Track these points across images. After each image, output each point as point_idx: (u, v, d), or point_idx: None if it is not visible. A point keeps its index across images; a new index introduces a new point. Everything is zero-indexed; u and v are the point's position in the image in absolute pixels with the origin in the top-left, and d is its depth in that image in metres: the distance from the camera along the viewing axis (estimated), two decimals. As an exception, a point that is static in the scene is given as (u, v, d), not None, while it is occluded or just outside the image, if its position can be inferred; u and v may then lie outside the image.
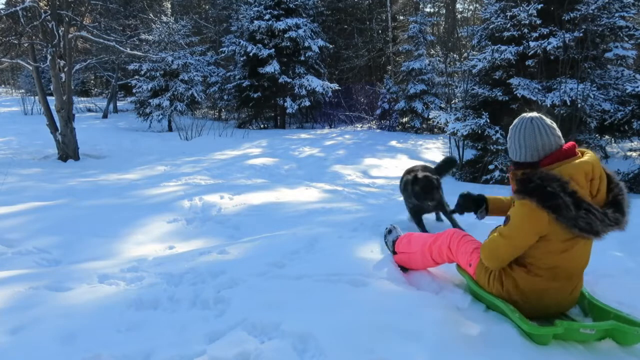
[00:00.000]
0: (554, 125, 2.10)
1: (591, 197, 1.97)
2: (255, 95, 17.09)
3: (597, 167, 2.01)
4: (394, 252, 2.99)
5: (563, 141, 2.09)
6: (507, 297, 2.21)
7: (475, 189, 3.82)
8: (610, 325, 2.05)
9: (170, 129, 16.65)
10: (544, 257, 2.07)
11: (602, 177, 2.02)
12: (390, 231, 3.20)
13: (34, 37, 10.35)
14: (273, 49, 16.67)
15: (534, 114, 2.15)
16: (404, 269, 2.92)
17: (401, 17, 21.28)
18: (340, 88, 17.89)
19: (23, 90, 28.35)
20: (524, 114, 2.17)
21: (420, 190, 3.62)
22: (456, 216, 3.70)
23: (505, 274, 2.21)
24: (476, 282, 2.40)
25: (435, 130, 15.89)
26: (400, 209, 4.41)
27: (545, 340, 2.04)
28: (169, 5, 21.19)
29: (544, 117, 2.12)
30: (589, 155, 2.03)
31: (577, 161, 1.99)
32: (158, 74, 16.61)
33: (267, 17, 16.57)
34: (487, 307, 2.40)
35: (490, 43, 9.99)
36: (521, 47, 9.19)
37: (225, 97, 19.04)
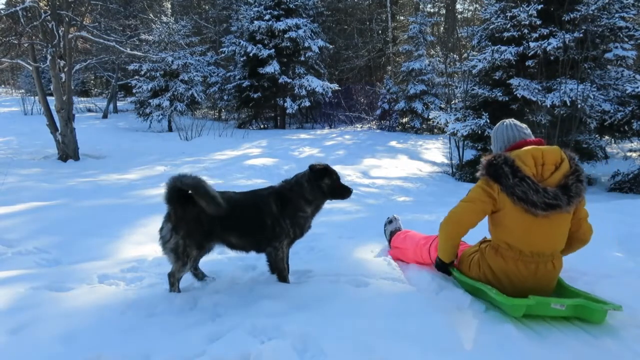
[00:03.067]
0: (524, 125, 2.54)
1: (542, 179, 2.30)
2: (255, 96, 17.09)
3: (552, 156, 2.32)
4: (390, 243, 3.28)
5: (530, 137, 2.48)
6: (484, 279, 2.48)
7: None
8: (579, 302, 2.24)
9: (170, 129, 16.65)
10: (507, 237, 2.37)
11: (559, 166, 2.32)
12: (391, 221, 3.43)
13: (34, 37, 10.35)
14: (273, 49, 16.67)
15: (511, 119, 2.60)
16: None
17: (401, 18, 21.29)
18: (340, 88, 17.89)
19: (23, 90, 28.35)
20: (503, 120, 2.61)
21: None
22: None
23: (481, 258, 2.51)
24: (459, 269, 2.68)
25: (435, 130, 15.89)
26: (400, 209, 4.42)
27: (518, 311, 2.23)
28: (169, 6, 21.19)
29: (516, 120, 2.56)
30: (547, 147, 2.38)
31: (528, 147, 2.37)
32: (158, 74, 16.61)
33: (267, 17, 16.58)
34: (486, 307, 2.41)
35: (490, 43, 10.00)
36: (521, 48, 9.19)
37: (225, 97, 19.04)
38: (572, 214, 2.39)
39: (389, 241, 3.32)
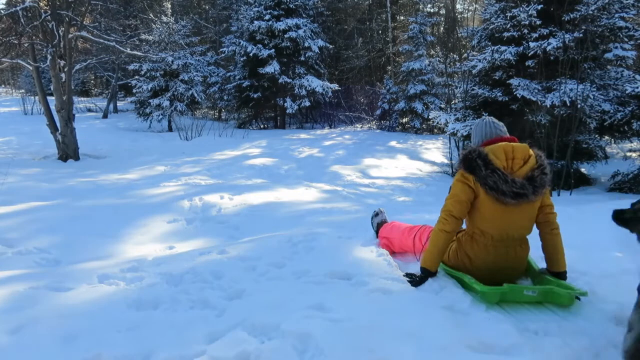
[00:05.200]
0: (501, 123, 2.74)
1: (511, 171, 2.51)
2: (255, 96, 17.09)
3: (521, 152, 2.55)
4: (377, 234, 3.56)
5: (505, 135, 2.70)
6: (462, 267, 2.68)
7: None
8: (548, 289, 2.48)
9: (170, 129, 16.65)
10: (481, 224, 2.59)
11: (527, 160, 2.55)
12: (377, 214, 3.72)
13: (34, 37, 10.35)
14: (273, 49, 16.67)
15: (490, 117, 2.80)
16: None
17: (401, 18, 21.29)
18: (340, 88, 17.89)
19: (23, 90, 28.33)
20: (484, 117, 2.82)
21: None
22: None
23: (459, 246, 2.71)
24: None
25: (435, 130, 15.89)
26: (399, 209, 4.42)
27: (493, 298, 2.43)
28: (169, 6, 21.15)
29: (494, 118, 2.77)
30: (517, 144, 2.60)
31: (500, 143, 2.58)
32: (158, 74, 16.61)
33: (267, 17, 16.58)
34: (486, 307, 2.41)
35: (490, 43, 10.00)
36: (521, 48, 9.19)
37: (225, 98, 19.05)
38: (539, 204, 2.62)
39: (377, 232, 3.61)
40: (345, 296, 2.51)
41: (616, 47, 8.95)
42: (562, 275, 2.64)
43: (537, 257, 2.80)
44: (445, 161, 11.30)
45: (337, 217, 4.98)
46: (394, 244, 3.32)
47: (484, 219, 2.56)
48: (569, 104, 8.31)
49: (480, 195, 2.53)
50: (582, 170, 9.82)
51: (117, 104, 23.47)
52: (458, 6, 24.69)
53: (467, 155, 2.58)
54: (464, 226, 2.75)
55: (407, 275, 2.72)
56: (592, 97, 8.48)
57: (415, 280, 2.64)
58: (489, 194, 2.49)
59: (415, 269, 2.77)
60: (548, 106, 8.47)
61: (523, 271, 2.75)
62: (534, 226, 2.68)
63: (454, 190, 2.61)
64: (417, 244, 3.06)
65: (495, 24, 9.71)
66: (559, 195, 8.06)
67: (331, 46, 18.26)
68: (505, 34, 9.40)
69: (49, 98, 10.70)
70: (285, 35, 16.51)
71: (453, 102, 13.68)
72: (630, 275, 2.78)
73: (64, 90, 10.03)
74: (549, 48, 8.71)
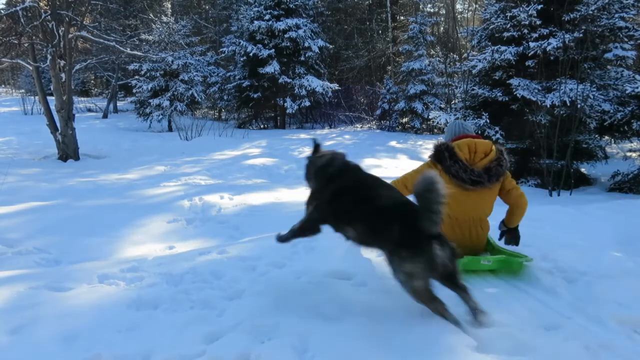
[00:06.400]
0: (468, 124, 3.34)
1: (473, 162, 2.99)
2: (255, 96, 17.09)
3: (483, 147, 3.03)
4: None
5: (470, 133, 3.22)
6: None
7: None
8: (501, 258, 2.96)
9: (170, 129, 16.65)
10: (447, 208, 2.78)
11: (488, 154, 3.02)
12: None
13: (34, 37, 10.35)
14: (273, 49, 16.67)
15: (460, 119, 3.53)
16: None
17: (401, 18, 21.29)
18: (340, 88, 17.89)
19: (23, 90, 28.34)
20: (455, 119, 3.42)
21: None
22: None
23: None
24: None
25: (435, 130, 15.89)
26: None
27: None
28: (169, 5, 21.16)
29: (463, 120, 3.44)
30: (480, 140, 3.09)
31: (466, 139, 3.08)
32: (158, 74, 16.61)
33: (267, 17, 16.58)
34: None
35: (490, 43, 10.00)
36: (521, 48, 9.19)
37: (225, 97, 19.04)
38: (501, 189, 3.06)
39: None
40: (345, 296, 2.51)
41: (616, 47, 8.96)
42: (513, 231, 3.14)
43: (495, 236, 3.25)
44: (445, 161, 11.29)
45: (337, 217, 4.97)
46: None
47: (449, 204, 2.77)
48: (569, 104, 8.31)
49: (445, 182, 2.72)
50: (582, 170, 9.82)
51: (117, 104, 23.47)
52: (458, 6, 24.69)
53: (437, 147, 3.07)
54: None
55: None
56: (592, 97, 8.48)
57: None
58: (452, 181, 2.92)
59: None
60: (548, 106, 8.47)
61: (483, 248, 3.19)
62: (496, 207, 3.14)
63: (419, 168, 3.08)
64: None
65: (495, 24, 9.71)
66: (559, 195, 8.06)
67: (331, 46, 18.26)
68: (505, 34, 9.40)
69: (49, 98, 10.70)
70: (285, 35, 16.51)
71: (453, 102, 13.70)
72: (630, 276, 2.78)
73: (64, 90, 10.03)
74: (549, 48, 8.71)
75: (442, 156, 3.00)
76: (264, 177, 8.66)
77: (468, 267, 2.87)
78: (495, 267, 2.95)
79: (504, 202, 3.14)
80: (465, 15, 25.75)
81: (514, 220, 3.15)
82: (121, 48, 11.76)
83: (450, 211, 2.86)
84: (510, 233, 3.18)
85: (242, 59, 17.44)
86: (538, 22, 9.09)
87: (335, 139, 14.50)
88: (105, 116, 20.21)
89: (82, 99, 25.58)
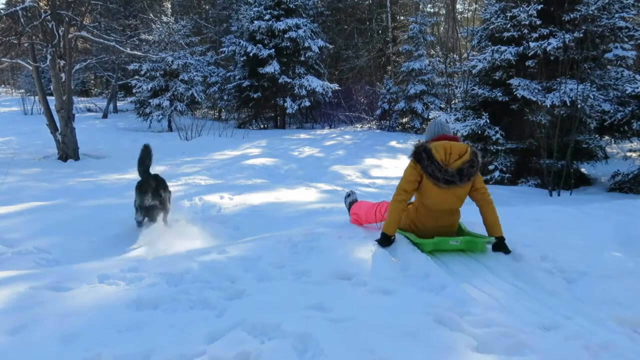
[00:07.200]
0: (448, 124, 3.57)
1: (448, 163, 3.27)
2: (255, 96, 17.09)
3: (457, 149, 3.29)
4: (349, 212, 4.33)
5: (449, 134, 3.46)
6: (409, 228, 3.52)
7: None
8: (467, 239, 3.32)
9: (170, 129, 16.66)
10: (423, 200, 3.43)
11: (462, 156, 3.28)
12: (349, 194, 4.59)
13: (34, 37, 10.35)
14: (273, 49, 16.68)
15: (440, 118, 3.50)
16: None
17: (401, 18, 21.29)
18: (340, 88, 17.89)
19: (23, 90, 28.35)
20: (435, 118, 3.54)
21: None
22: None
23: (407, 214, 3.53)
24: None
25: (435, 130, 15.87)
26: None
27: (427, 247, 3.24)
28: (169, 5, 21.17)
29: (443, 120, 3.59)
30: (456, 142, 3.35)
31: (443, 141, 3.34)
32: (158, 74, 16.61)
33: (267, 17, 16.58)
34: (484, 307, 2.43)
35: (490, 43, 9.99)
36: (521, 48, 9.19)
37: (225, 97, 19.05)
38: (472, 187, 3.35)
39: (349, 210, 4.38)
40: (345, 296, 2.51)
41: (616, 47, 8.95)
42: (501, 240, 3.27)
43: (467, 223, 3.61)
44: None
45: (337, 217, 4.97)
46: (362, 218, 4.07)
47: (425, 197, 3.40)
48: (569, 104, 8.31)
49: (423, 179, 3.34)
50: (582, 170, 9.82)
51: (117, 104, 23.47)
52: (458, 6, 24.68)
53: (416, 148, 3.37)
54: (413, 200, 3.55)
55: (377, 240, 3.35)
56: (592, 97, 8.48)
57: (381, 242, 3.32)
58: (429, 179, 3.28)
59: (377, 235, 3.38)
60: (548, 106, 8.47)
61: (455, 232, 3.55)
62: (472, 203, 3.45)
63: (405, 173, 3.42)
64: (378, 215, 3.85)
65: (496, 24, 9.71)
66: (559, 195, 8.06)
67: (331, 46, 18.26)
68: (505, 34, 9.40)
69: (49, 98, 10.70)
70: (285, 35, 16.51)
71: (453, 102, 13.70)
72: (630, 276, 2.78)
73: (63, 90, 10.03)
74: (549, 48, 8.71)
75: (421, 157, 3.30)
76: (264, 177, 8.66)
77: (439, 246, 3.27)
78: (463, 247, 3.31)
79: (472, 199, 3.42)
80: (466, 15, 25.76)
81: (493, 226, 3.34)
82: (121, 48, 11.76)
83: (426, 203, 3.43)
84: (498, 247, 3.29)
85: (242, 59, 17.44)
86: (538, 22, 9.09)
87: (336, 139, 14.50)
88: (105, 116, 20.21)
89: (82, 99, 25.59)
